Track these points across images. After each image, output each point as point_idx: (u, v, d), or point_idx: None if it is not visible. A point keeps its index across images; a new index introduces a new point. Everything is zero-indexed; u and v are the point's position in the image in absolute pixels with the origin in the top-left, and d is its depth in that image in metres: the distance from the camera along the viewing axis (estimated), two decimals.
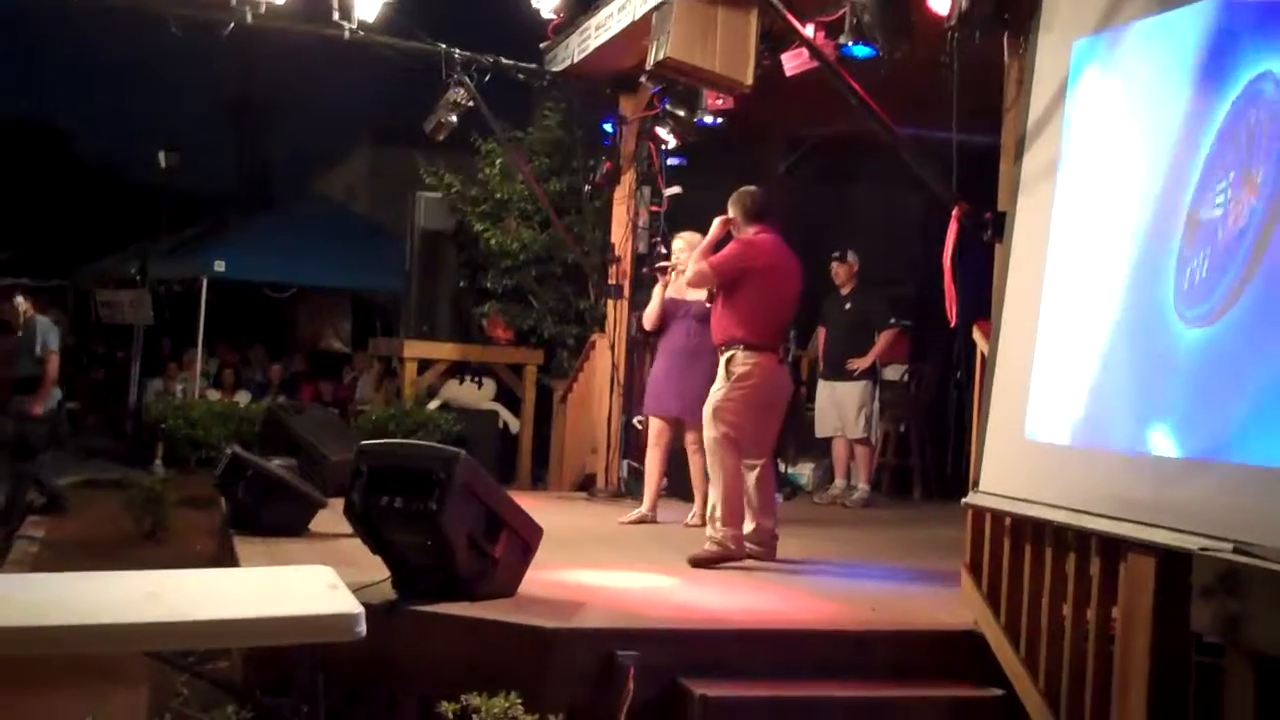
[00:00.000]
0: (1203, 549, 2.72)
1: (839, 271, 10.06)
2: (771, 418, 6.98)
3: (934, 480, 10.61)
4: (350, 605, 3.63)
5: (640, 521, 8.23)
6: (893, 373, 10.88)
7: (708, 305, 7.42)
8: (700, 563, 6.67)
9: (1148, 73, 4.76)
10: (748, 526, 6.86)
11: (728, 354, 6.81)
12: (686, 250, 8.16)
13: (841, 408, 9.92)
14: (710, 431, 6.77)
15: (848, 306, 10.03)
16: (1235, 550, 2.71)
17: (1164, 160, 4.58)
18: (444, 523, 5.19)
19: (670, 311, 8.30)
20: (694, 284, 7.18)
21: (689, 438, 8.14)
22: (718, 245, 7.02)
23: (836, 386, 9.97)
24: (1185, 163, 4.45)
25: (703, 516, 7.94)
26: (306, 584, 3.92)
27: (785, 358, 7.00)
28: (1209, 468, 4.09)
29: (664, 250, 9.69)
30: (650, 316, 8.44)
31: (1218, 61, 4.40)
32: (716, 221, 7.04)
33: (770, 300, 6.86)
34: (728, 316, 6.85)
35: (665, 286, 8.35)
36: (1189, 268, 4.38)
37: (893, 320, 9.86)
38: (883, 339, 9.85)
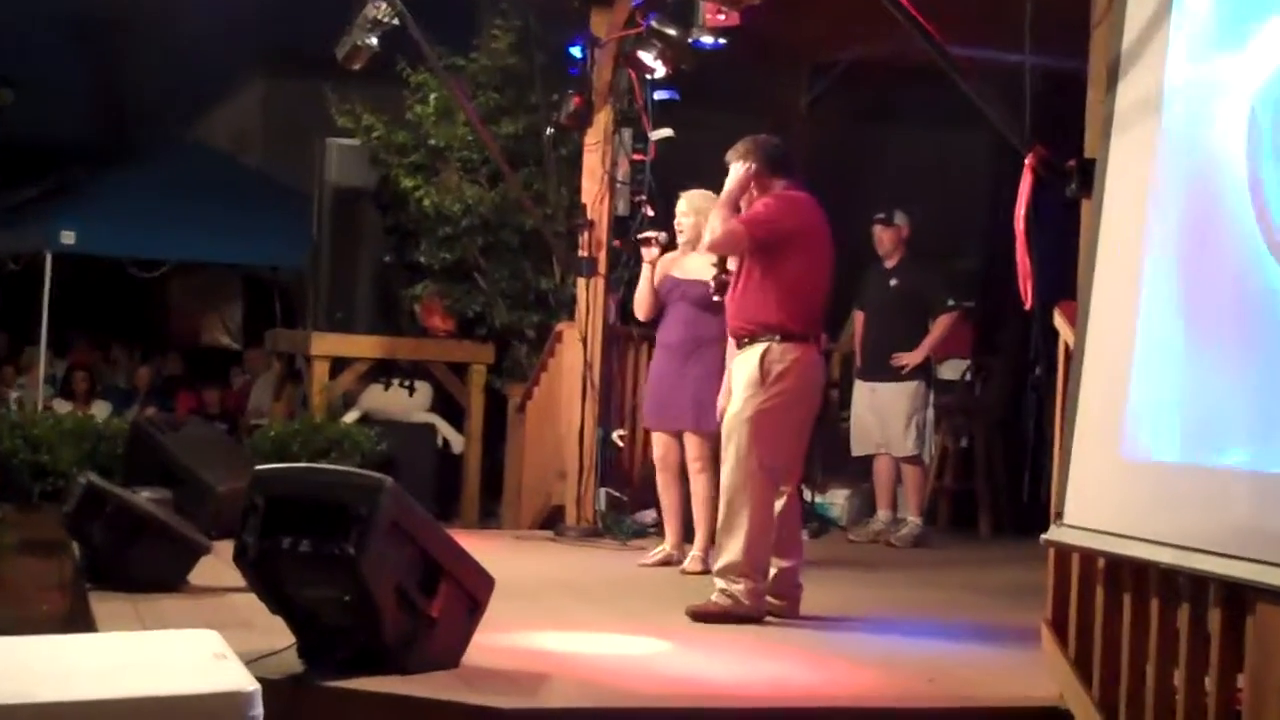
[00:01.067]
0: None
1: (883, 238, 10.10)
2: (809, 430, 7.06)
3: (1006, 510, 10.67)
4: (242, 681, 3.64)
5: (665, 563, 8.39)
6: (951, 370, 10.93)
7: (713, 284, 7.46)
8: (703, 617, 6.70)
9: None
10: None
11: (760, 347, 6.79)
12: (691, 215, 8.22)
13: (885, 416, 9.96)
14: (735, 453, 6.75)
15: (893, 284, 10.07)
16: None
17: None
18: (366, 572, 5.20)
19: (666, 295, 8.35)
20: (721, 248, 7.11)
21: (690, 454, 8.21)
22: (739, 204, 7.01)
23: (879, 389, 10.01)
24: None
25: (704, 559, 8.01)
26: (184, 654, 3.92)
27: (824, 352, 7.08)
28: None
29: (650, 213, 9.73)
30: (643, 303, 8.51)
31: None
32: (737, 171, 6.98)
33: (812, 275, 6.92)
34: (759, 296, 6.85)
35: (655, 264, 8.40)
36: None
37: (951, 302, 9.90)
38: (938, 326, 9.89)
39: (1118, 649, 5.02)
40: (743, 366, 6.85)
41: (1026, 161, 5.54)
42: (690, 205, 8.30)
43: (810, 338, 6.86)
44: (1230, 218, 4.78)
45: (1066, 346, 5.51)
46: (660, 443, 8.51)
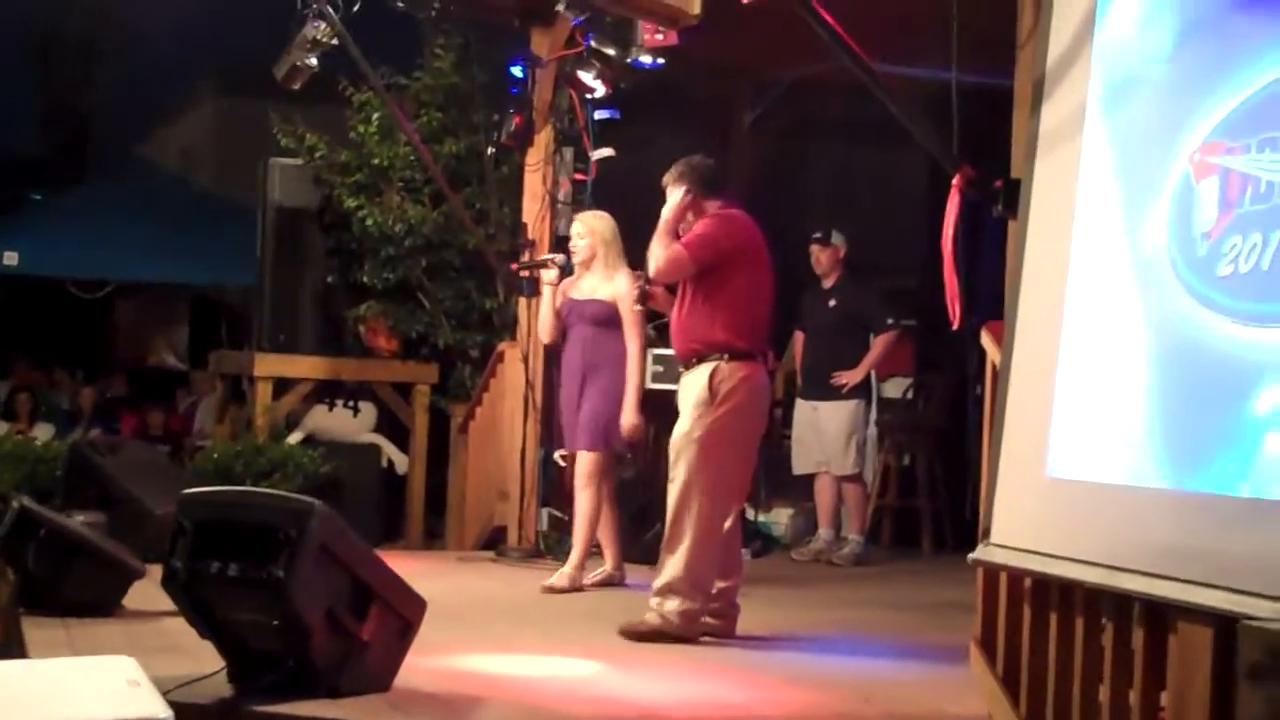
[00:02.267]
0: (1248, 618, 2.77)
1: (820, 258, 10.14)
2: (756, 449, 7.07)
3: (948, 528, 10.70)
4: (153, 708, 3.63)
5: (606, 583, 8.42)
6: (893, 388, 10.97)
7: (636, 292, 7.53)
8: (634, 635, 6.71)
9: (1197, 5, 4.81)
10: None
11: (707, 366, 6.80)
12: (586, 236, 8.30)
13: (825, 435, 9.99)
14: (685, 472, 6.75)
15: (832, 304, 10.11)
16: None
17: (1237, 106, 4.61)
18: (295, 595, 5.19)
19: (566, 318, 8.41)
20: (666, 276, 7.08)
21: (577, 469, 8.29)
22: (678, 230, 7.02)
23: (820, 407, 10.04)
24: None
25: (578, 575, 8.20)
26: (98, 681, 3.91)
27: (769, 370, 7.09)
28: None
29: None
30: (546, 326, 8.59)
31: None
32: (675, 197, 7.03)
33: (755, 292, 6.94)
34: (703, 316, 6.87)
35: (555, 286, 8.43)
36: (1250, 258, 4.44)
37: (891, 320, 9.94)
38: (878, 345, 9.93)
39: (1044, 667, 5.03)
40: (690, 386, 6.85)
41: (954, 182, 5.57)
42: (585, 226, 8.39)
43: (757, 356, 6.88)
44: (1147, 240, 4.81)
45: (993, 366, 5.54)
46: (575, 465, 8.49)
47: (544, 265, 8.55)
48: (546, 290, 8.55)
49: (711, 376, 6.77)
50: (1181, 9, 4.91)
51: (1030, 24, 5.58)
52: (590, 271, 8.35)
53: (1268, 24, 4.49)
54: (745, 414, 6.82)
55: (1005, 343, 5.35)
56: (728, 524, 6.91)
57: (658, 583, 6.82)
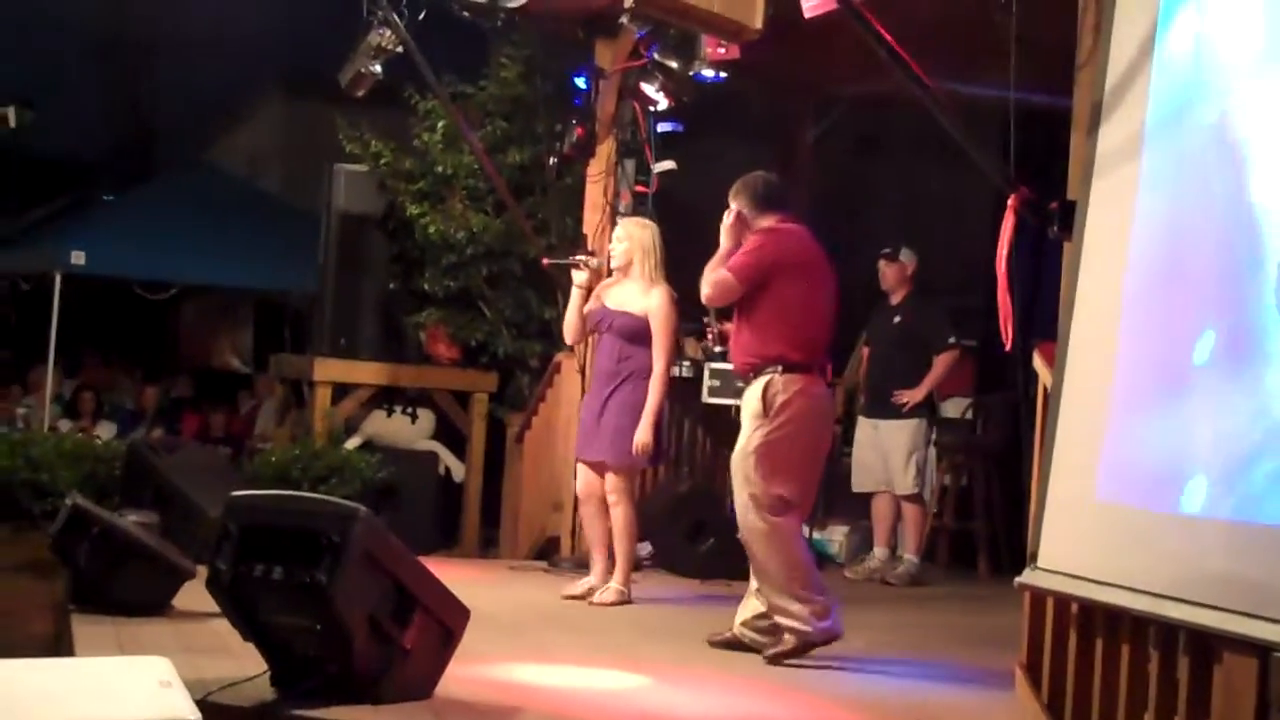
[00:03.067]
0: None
1: (887, 274, 10.10)
2: (820, 462, 7.03)
3: (1005, 550, 10.61)
4: (181, 709, 3.63)
5: (589, 595, 8.30)
6: (953, 408, 10.90)
7: (637, 314, 7.65)
8: (779, 658, 6.67)
9: (1260, 14, 4.77)
10: (748, 608, 6.87)
11: (762, 380, 6.76)
12: (626, 241, 8.26)
13: (887, 453, 9.94)
14: (746, 488, 6.71)
15: (897, 320, 10.07)
16: None
17: None
18: (338, 601, 5.20)
19: (595, 323, 8.36)
20: (716, 300, 7.06)
21: (608, 485, 8.20)
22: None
23: (881, 426, 10.00)
24: None
25: (627, 589, 8.16)
26: (131, 681, 3.92)
27: (830, 383, 7.04)
28: None
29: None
30: (571, 326, 8.51)
31: None
32: (727, 223, 6.98)
33: (808, 304, 6.89)
34: (757, 330, 6.84)
35: (586, 289, 8.37)
36: None
37: (952, 340, 9.87)
38: (939, 364, 9.87)
39: (1089, 694, 5.01)
40: (748, 400, 6.83)
41: (1009, 202, 5.55)
42: (625, 231, 8.35)
43: (814, 368, 6.82)
44: (1209, 254, 4.77)
45: (1045, 388, 5.51)
46: (583, 474, 8.45)
47: (575, 265, 8.47)
48: (575, 292, 8.47)
49: (765, 389, 6.73)
50: (1242, 27, 4.86)
51: (1090, 45, 5.55)
52: (628, 279, 8.29)
53: None
54: (802, 425, 6.77)
55: (1057, 365, 5.32)
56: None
57: (769, 603, 6.73)
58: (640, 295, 8.19)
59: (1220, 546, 4.48)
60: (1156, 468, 4.84)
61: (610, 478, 8.20)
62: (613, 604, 8.10)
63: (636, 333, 8.13)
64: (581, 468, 8.48)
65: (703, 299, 7.09)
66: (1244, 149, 4.74)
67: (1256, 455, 4.48)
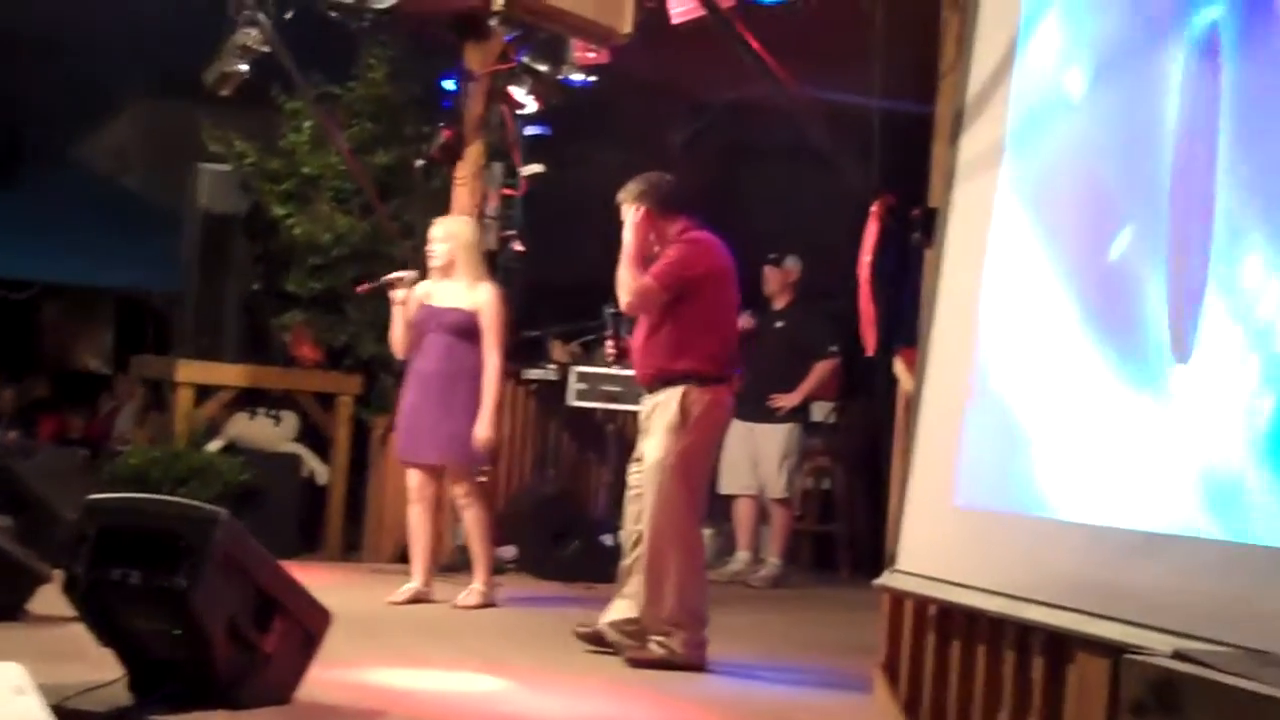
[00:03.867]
0: (1139, 651, 2.78)
1: (771, 279, 10.19)
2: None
3: (866, 552, 10.70)
4: (36, 715, 3.57)
5: (415, 600, 8.26)
6: (817, 412, 10.98)
7: (466, 310, 7.71)
8: (641, 664, 6.66)
9: (1115, 31, 4.85)
10: (619, 610, 6.86)
11: (677, 390, 6.70)
12: (448, 241, 8.19)
13: (761, 457, 9.98)
14: (661, 498, 6.65)
15: (778, 325, 10.14)
16: (1175, 655, 2.76)
17: (1141, 147, 4.66)
18: (197, 605, 5.14)
19: (421, 325, 8.29)
20: (637, 309, 6.89)
21: (456, 489, 8.19)
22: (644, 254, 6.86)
23: (756, 430, 10.03)
24: (1164, 149, 4.54)
25: (490, 591, 8.15)
26: None
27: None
28: (1174, 543, 4.18)
29: (519, 248, 9.73)
30: (398, 342, 8.45)
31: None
32: (634, 220, 6.86)
33: (722, 317, 6.90)
34: (672, 340, 6.77)
35: (405, 303, 8.32)
36: (1177, 288, 4.47)
37: (834, 349, 9.95)
38: (816, 371, 9.98)
39: (946, 695, 5.06)
40: (660, 411, 6.74)
41: (873, 210, 5.60)
42: (446, 230, 8.32)
43: (726, 378, 6.83)
44: (1067, 266, 4.85)
45: (905, 394, 5.57)
46: (414, 476, 8.38)
47: (392, 285, 8.39)
48: (396, 309, 8.38)
49: (682, 400, 6.67)
50: (1099, 41, 4.95)
51: (953, 55, 5.62)
52: (451, 278, 8.24)
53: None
54: (713, 436, 6.84)
55: (917, 371, 5.38)
56: None
57: (650, 616, 6.70)
58: (467, 291, 8.14)
59: (1073, 549, 4.56)
60: (1011, 471, 4.92)
61: (455, 481, 8.18)
62: (475, 606, 8.08)
63: (466, 329, 8.09)
64: (412, 471, 8.38)
65: (622, 306, 6.98)
66: (1097, 157, 4.82)
67: (1104, 459, 4.56)
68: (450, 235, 8.25)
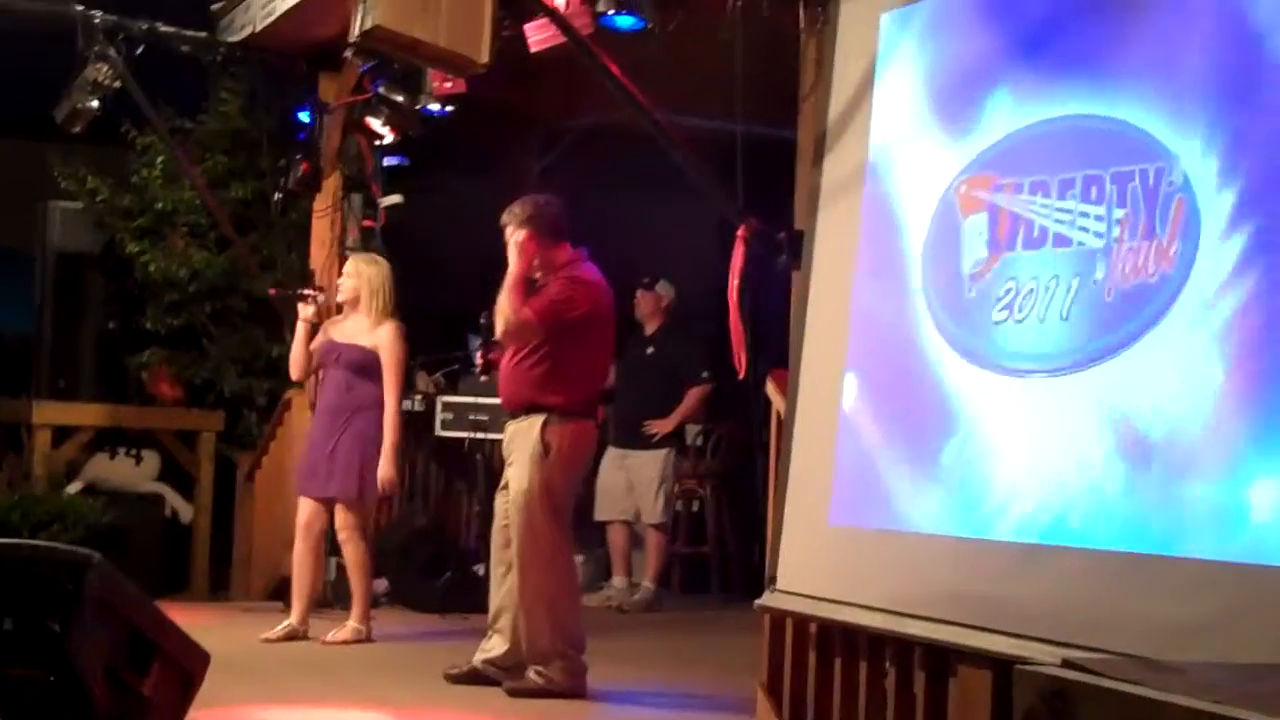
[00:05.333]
0: (1023, 662, 2.84)
1: (643, 304, 10.22)
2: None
3: (737, 573, 10.78)
4: None
5: (290, 638, 8.19)
6: (686, 435, 11.02)
7: (367, 348, 7.76)
8: (521, 693, 6.64)
9: (970, 55, 4.96)
10: (494, 646, 6.84)
11: (538, 419, 6.69)
12: (354, 278, 8.23)
13: (636, 483, 9.99)
14: (528, 529, 6.63)
15: (650, 351, 10.16)
16: (1064, 664, 2.82)
17: (1004, 138, 4.77)
18: (73, 650, 5.06)
19: (321, 359, 8.32)
20: (514, 340, 6.79)
21: (339, 521, 8.16)
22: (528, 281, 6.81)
23: (630, 456, 10.05)
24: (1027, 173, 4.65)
25: (365, 628, 8.09)
26: None
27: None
28: (1051, 554, 4.26)
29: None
30: (296, 361, 8.44)
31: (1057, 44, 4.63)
32: (518, 241, 6.77)
33: (596, 356, 6.91)
34: (540, 369, 6.75)
35: (311, 324, 8.34)
36: (1026, 306, 4.57)
37: (706, 374, 9.99)
38: (690, 397, 10.02)
39: (829, 712, 5.12)
40: (522, 439, 6.73)
41: (739, 233, 5.66)
42: (354, 267, 8.35)
43: (590, 413, 6.84)
44: (928, 286, 4.94)
45: (778, 414, 5.62)
46: (306, 510, 8.31)
47: (302, 299, 8.40)
48: (301, 326, 8.39)
49: (543, 431, 6.66)
50: (955, 66, 5.05)
51: (812, 79, 5.70)
52: (355, 314, 8.26)
53: (1043, 68, 4.64)
54: (575, 465, 6.84)
55: (789, 391, 5.44)
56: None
57: (528, 647, 6.67)
58: (368, 330, 8.15)
59: (950, 562, 4.64)
60: (886, 489, 4.99)
61: (342, 514, 8.12)
62: (349, 642, 8.02)
63: (365, 366, 8.09)
64: (305, 502, 8.32)
65: (497, 333, 6.90)
66: (945, 157, 4.93)
67: (977, 474, 4.65)
68: (357, 272, 8.27)
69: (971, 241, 4.78)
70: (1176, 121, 4.24)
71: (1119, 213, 4.35)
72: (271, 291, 9.47)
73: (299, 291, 8.52)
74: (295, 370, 8.53)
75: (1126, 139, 4.37)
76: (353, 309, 8.30)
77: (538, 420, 6.68)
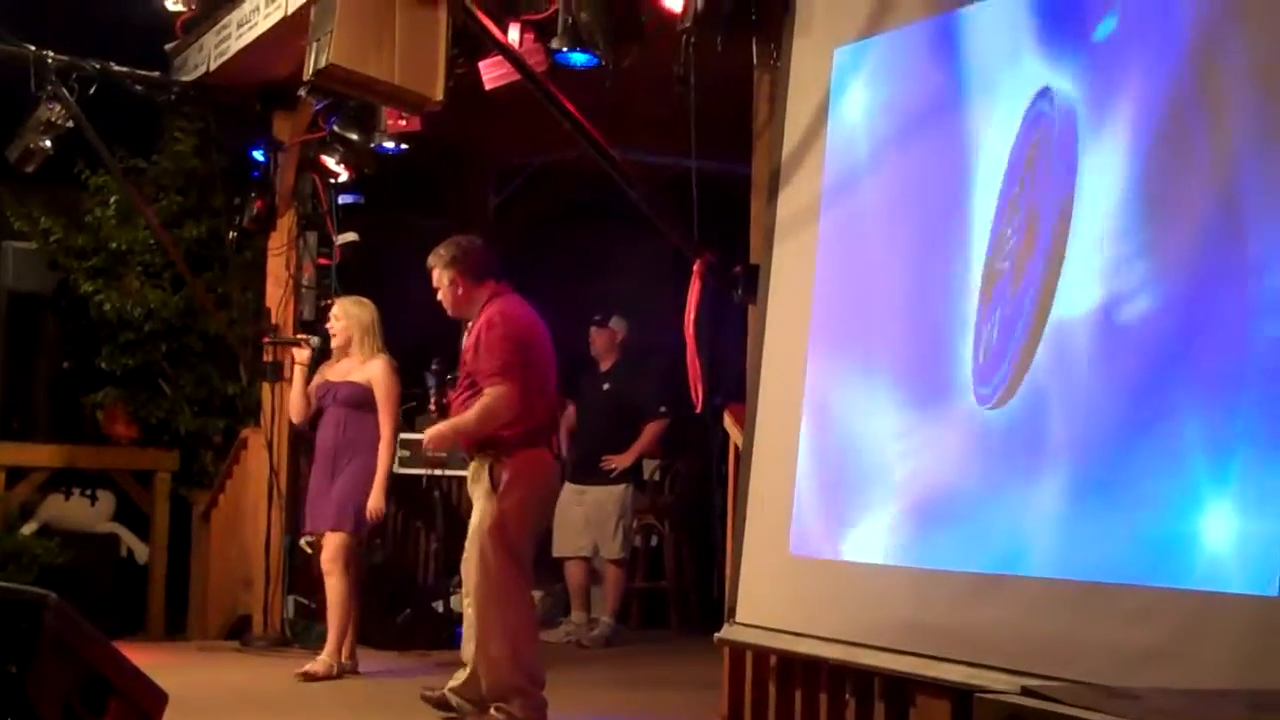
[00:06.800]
0: (981, 691, 2.86)
1: (597, 341, 10.23)
2: (540, 533, 7.09)
3: (695, 607, 10.78)
4: None
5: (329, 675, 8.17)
6: (645, 470, 11.04)
7: (360, 383, 7.86)
8: (438, 704, 6.67)
9: (923, 90, 5.01)
10: (460, 677, 6.83)
11: (489, 458, 6.68)
12: (343, 319, 8.28)
13: (595, 519, 9.99)
14: (481, 566, 6.60)
15: (606, 387, 10.17)
16: (1023, 692, 2.85)
17: (949, 199, 4.82)
18: (30, 692, 5.02)
19: (320, 400, 8.39)
20: (505, 416, 6.60)
21: (325, 554, 8.17)
22: None
23: (588, 492, 10.04)
24: (970, 202, 4.70)
25: (335, 662, 8.05)
26: None
27: (557, 453, 6.98)
28: (1006, 583, 4.30)
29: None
30: (295, 406, 8.54)
31: (1001, 74, 4.68)
32: (446, 285, 6.84)
33: (536, 383, 6.85)
34: None
35: (306, 366, 8.44)
36: (984, 334, 4.62)
37: (663, 409, 10.01)
38: (647, 432, 10.02)
39: None
40: (476, 476, 6.73)
41: (695, 268, 5.68)
42: (342, 309, 8.40)
43: (540, 442, 6.79)
44: (886, 319, 4.97)
45: (736, 447, 5.65)
46: (329, 546, 8.31)
47: (295, 344, 8.50)
48: (298, 370, 8.51)
49: (493, 469, 6.65)
50: (908, 100, 5.10)
51: (766, 114, 5.74)
52: (347, 357, 8.35)
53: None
54: (529, 498, 6.74)
55: (747, 425, 5.47)
56: None
57: (488, 686, 6.62)
58: (360, 366, 8.24)
59: (908, 593, 4.67)
60: (842, 520, 5.02)
61: (329, 546, 8.13)
62: (320, 676, 7.99)
63: (361, 400, 8.16)
64: (327, 538, 8.35)
65: (497, 428, 6.68)
66: (910, 215, 4.97)
67: (931, 505, 4.68)
68: (345, 314, 8.34)
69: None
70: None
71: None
72: (264, 339, 9.48)
73: (294, 337, 8.57)
74: (295, 414, 8.60)
75: None
76: (344, 352, 8.36)
77: (488, 459, 6.69)
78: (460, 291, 6.86)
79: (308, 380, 8.50)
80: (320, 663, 8.09)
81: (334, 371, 8.37)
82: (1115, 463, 4.15)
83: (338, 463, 8.19)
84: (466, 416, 6.65)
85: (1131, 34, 4.36)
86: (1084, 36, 4.49)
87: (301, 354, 8.52)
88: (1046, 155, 4.45)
